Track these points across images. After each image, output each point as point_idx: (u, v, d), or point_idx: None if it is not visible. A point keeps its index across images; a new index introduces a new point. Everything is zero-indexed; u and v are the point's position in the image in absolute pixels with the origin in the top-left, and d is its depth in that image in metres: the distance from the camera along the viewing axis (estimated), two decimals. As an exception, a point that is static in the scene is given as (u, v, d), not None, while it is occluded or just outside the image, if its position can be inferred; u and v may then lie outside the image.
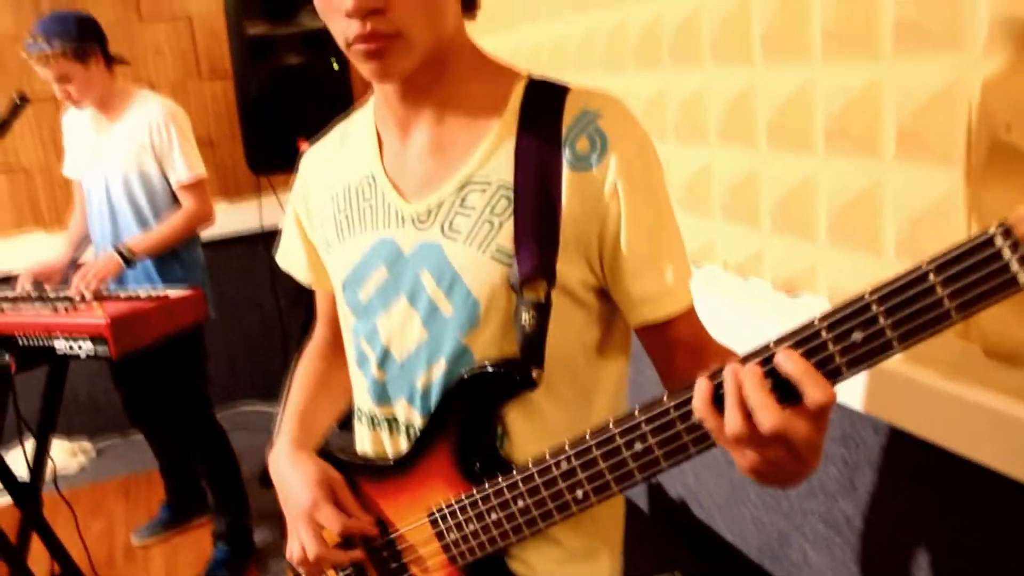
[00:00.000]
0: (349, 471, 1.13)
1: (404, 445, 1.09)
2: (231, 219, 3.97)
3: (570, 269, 0.99)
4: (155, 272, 2.72)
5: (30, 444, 2.33)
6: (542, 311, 0.98)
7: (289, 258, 1.28)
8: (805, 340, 0.74)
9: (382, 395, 1.11)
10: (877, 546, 1.50)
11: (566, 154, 0.98)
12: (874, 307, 0.71)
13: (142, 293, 2.39)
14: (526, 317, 0.98)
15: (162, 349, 2.34)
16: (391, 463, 1.10)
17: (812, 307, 1.46)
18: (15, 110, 2.39)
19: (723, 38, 1.57)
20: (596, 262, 1.00)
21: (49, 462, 2.40)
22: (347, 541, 1.12)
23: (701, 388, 0.79)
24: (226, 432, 2.96)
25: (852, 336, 0.72)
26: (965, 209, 1.15)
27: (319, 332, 1.32)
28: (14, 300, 2.36)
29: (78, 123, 2.82)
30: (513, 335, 0.99)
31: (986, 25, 1.06)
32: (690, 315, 1.02)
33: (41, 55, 2.46)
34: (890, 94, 1.24)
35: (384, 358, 1.09)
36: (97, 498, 3.47)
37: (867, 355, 0.73)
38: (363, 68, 0.95)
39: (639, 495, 2.33)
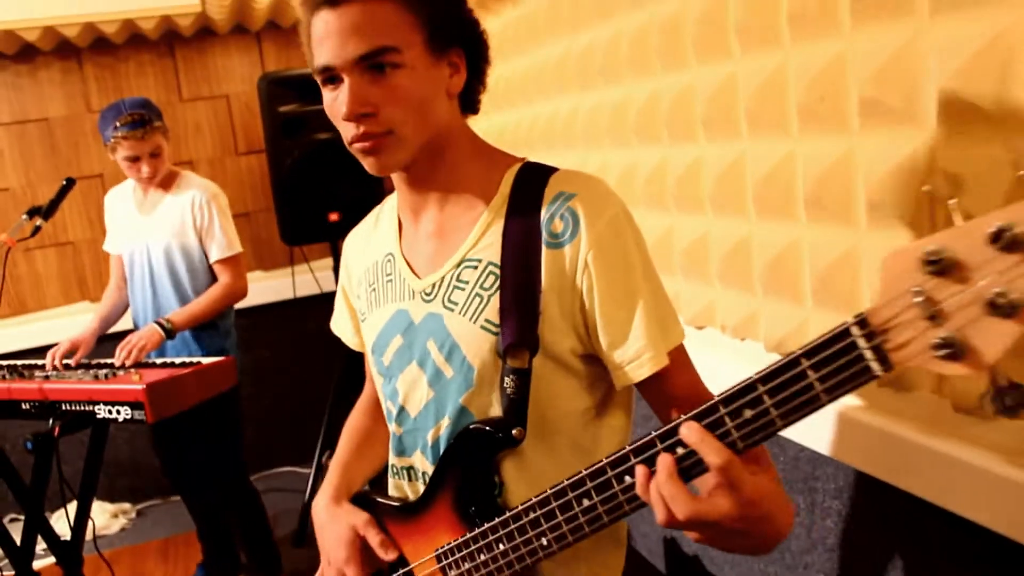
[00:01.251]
0: (378, 511, 1.26)
1: (421, 489, 1.22)
2: (266, 289, 4.14)
3: (558, 338, 1.09)
4: (194, 340, 2.86)
5: (72, 506, 2.45)
6: (523, 376, 1.08)
7: (339, 325, 1.44)
8: (706, 413, 0.85)
9: (400, 448, 1.26)
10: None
11: (544, 234, 1.08)
12: (759, 387, 0.81)
13: (177, 361, 2.52)
14: (508, 382, 1.08)
15: (200, 415, 2.47)
16: (408, 505, 1.22)
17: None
18: (63, 191, 2.57)
19: (713, 114, 1.65)
20: (583, 331, 1.10)
21: (91, 523, 2.51)
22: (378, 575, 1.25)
23: (638, 474, 0.90)
24: (259, 493, 3.06)
25: (743, 413, 0.82)
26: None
27: (366, 389, 1.46)
28: (50, 369, 2.50)
29: (121, 201, 2.99)
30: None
31: (935, 102, 1.14)
32: (673, 372, 1.10)
33: (145, 131, 2.65)
34: (859, 165, 1.32)
35: (401, 415, 1.24)
36: (137, 559, 3.56)
37: (756, 431, 0.83)
38: (364, 163, 1.10)
39: (656, 552, 2.37)
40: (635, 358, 1.08)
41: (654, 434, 0.90)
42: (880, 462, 1.39)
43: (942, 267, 0.69)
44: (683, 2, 1.70)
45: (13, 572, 2.34)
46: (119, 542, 3.73)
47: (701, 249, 1.80)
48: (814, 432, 1.54)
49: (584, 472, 0.97)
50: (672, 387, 1.10)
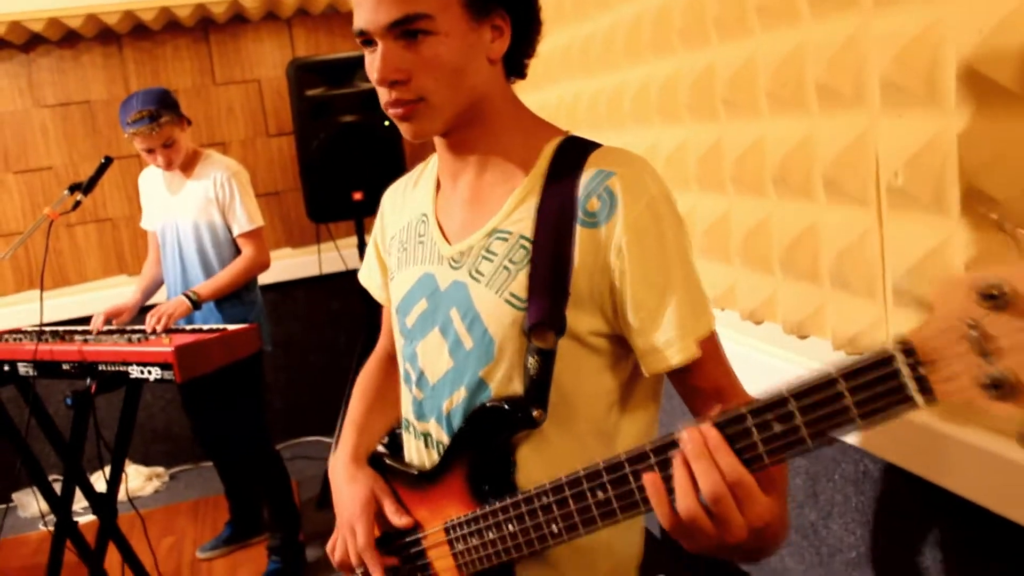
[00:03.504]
0: (392, 476, 1.25)
1: (436, 458, 1.18)
2: (294, 265, 4.30)
3: (582, 319, 1.05)
4: (217, 310, 3.04)
5: (108, 468, 2.64)
6: (547, 357, 1.04)
7: (367, 277, 1.41)
8: (733, 423, 0.80)
9: (419, 412, 1.21)
10: (839, 551, 1.65)
11: (579, 211, 1.04)
12: (792, 404, 0.76)
13: (204, 327, 2.70)
14: (531, 361, 1.05)
15: (225, 379, 2.65)
16: (421, 474, 1.19)
17: (819, 348, 1.55)
18: (101, 169, 2.74)
19: (734, 94, 1.64)
20: (611, 314, 1.06)
21: (126, 484, 2.69)
22: (386, 538, 1.23)
23: (650, 480, 0.85)
24: (282, 457, 3.23)
25: (774, 425, 0.77)
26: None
27: (381, 343, 1.43)
28: (95, 334, 2.69)
29: (152, 181, 3.18)
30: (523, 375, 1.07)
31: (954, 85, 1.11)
32: (702, 364, 1.04)
33: (152, 127, 2.82)
34: (880, 147, 1.28)
35: (420, 379, 1.20)
36: (169, 517, 3.77)
37: (785, 447, 0.78)
38: (400, 128, 1.08)
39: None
40: (666, 347, 1.03)
41: (674, 435, 0.85)
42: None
43: (1001, 302, 0.65)
44: None
45: (55, 522, 2.54)
46: (153, 503, 3.94)
47: (722, 229, 1.81)
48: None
49: (602, 464, 0.92)
50: (700, 378, 1.05)
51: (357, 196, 3.71)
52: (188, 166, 3.05)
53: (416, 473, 1.21)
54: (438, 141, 1.16)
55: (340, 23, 4.33)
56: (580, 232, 1.04)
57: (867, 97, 1.29)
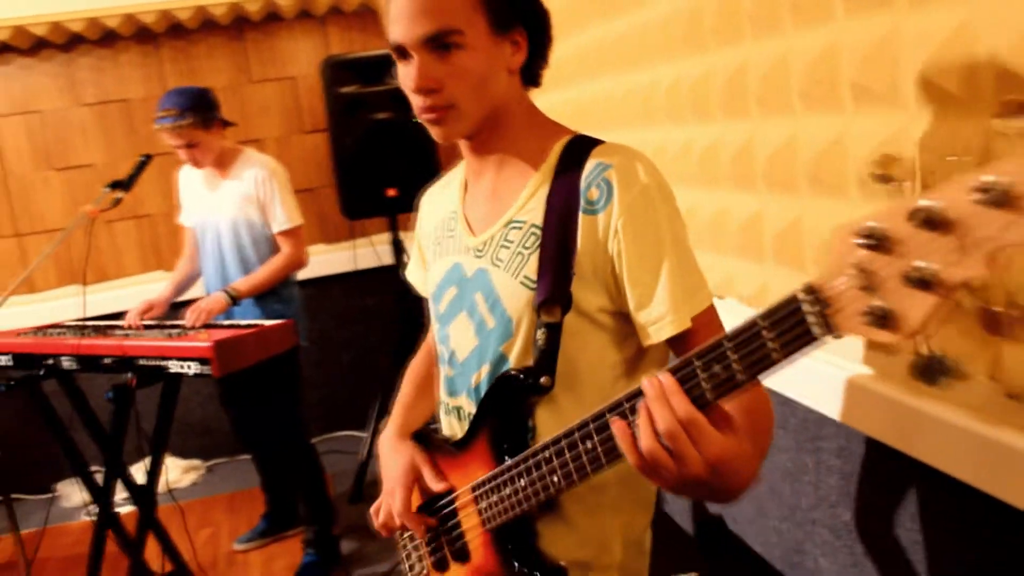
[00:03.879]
0: (433, 447, 1.39)
1: (467, 428, 1.32)
2: (328, 261, 4.35)
3: (588, 296, 1.17)
4: (256, 306, 3.08)
5: (147, 461, 2.69)
6: (554, 330, 1.17)
7: (413, 273, 1.56)
8: (681, 367, 0.91)
9: (452, 388, 1.36)
10: (873, 549, 1.65)
11: (582, 200, 1.17)
12: (726, 344, 0.87)
13: (242, 323, 2.74)
14: (539, 334, 1.18)
15: (262, 374, 2.69)
16: (455, 443, 1.33)
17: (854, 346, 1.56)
18: (141, 166, 2.79)
19: (767, 93, 1.67)
20: (615, 292, 1.18)
21: (165, 477, 2.75)
22: (429, 503, 1.36)
23: (617, 424, 0.96)
24: (317, 451, 3.27)
25: (715, 367, 0.89)
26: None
27: (429, 334, 1.54)
28: (129, 329, 2.74)
29: (191, 178, 3.23)
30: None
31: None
32: (695, 335, 1.14)
33: (174, 127, 2.88)
34: (914, 145, 1.30)
35: (451, 358, 1.35)
36: (206, 509, 3.83)
37: (723, 383, 0.88)
38: (431, 131, 1.21)
39: (683, 514, 2.50)
40: (658, 320, 1.14)
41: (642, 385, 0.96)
42: (876, 423, 1.48)
43: (876, 242, 0.73)
44: None
45: (97, 513, 2.60)
46: (190, 495, 4.00)
47: (720, 222, 1.90)
48: (820, 395, 1.63)
49: (588, 417, 1.04)
50: (686, 347, 1.12)
51: (391, 192, 3.74)
52: (226, 164, 3.09)
53: (450, 442, 1.34)
54: (463, 143, 1.28)
55: (373, 20, 4.36)
56: (583, 219, 1.16)
57: (901, 96, 1.29)
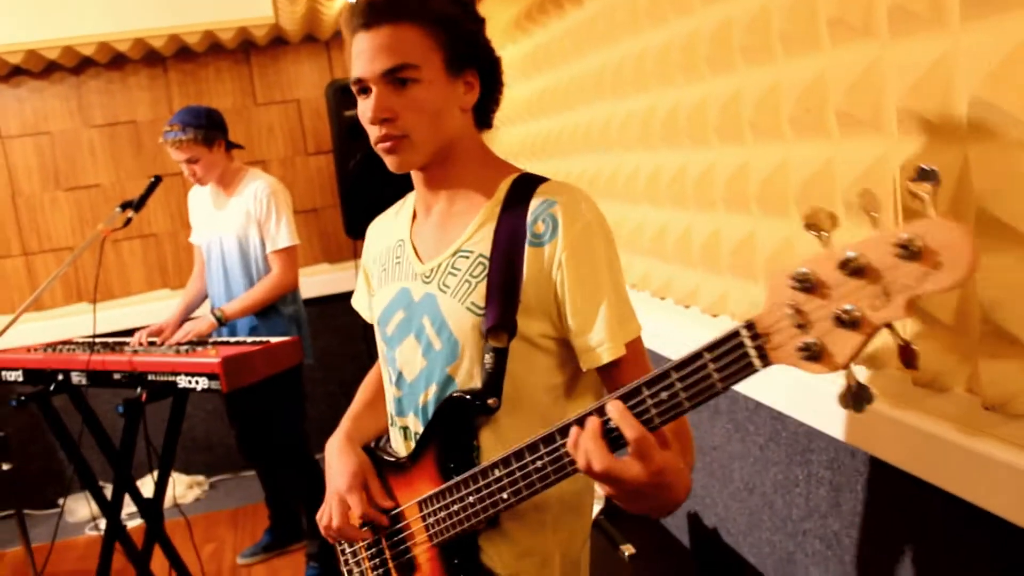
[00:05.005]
0: (381, 464, 1.43)
1: (413, 447, 1.38)
2: (331, 280, 4.42)
3: (531, 323, 1.26)
4: (260, 325, 3.15)
5: (154, 474, 2.74)
6: (500, 355, 1.26)
7: (358, 300, 1.64)
8: (631, 395, 1.00)
9: (399, 408, 1.42)
10: (862, 558, 1.70)
11: (528, 234, 1.26)
12: (673, 375, 0.96)
13: (248, 340, 2.80)
14: (487, 358, 1.26)
15: (268, 390, 2.76)
16: (401, 461, 1.38)
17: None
18: (151, 187, 2.87)
19: (760, 119, 1.72)
20: (556, 319, 1.27)
21: (171, 492, 2.81)
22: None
23: (571, 433, 1.04)
24: (319, 464, 3.32)
25: (660, 395, 0.98)
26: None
27: (379, 357, 1.60)
28: (136, 347, 2.82)
29: (200, 198, 3.31)
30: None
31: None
32: (626, 363, 1.25)
33: (176, 140, 2.97)
34: (898, 171, 1.37)
35: (399, 379, 1.41)
36: (210, 524, 3.88)
37: (669, 409, 0.98)
38: (385, 160, 1.29)
39: (680, 526, 2.55)
40: (597, 345, 1.24)
41: (591, 408, 1.05)
42: (863, 435, 1.54)
43: (808, 285, 0.84)
44: (729, 10, 1.78)
45: (106, 525, 2.65)
46: (193, 510, 4.04)
47: (716, 243, 1.96)
48: (810, 409, 1.69)
49: (538, 438, 1.12)
50: (625, 376, 1.22)
51: (392, 213, 3.80)
52: (231, 183, 3.17)
53: (396, 460, 1.40)
54: (416, 175, 1.37)
55: (377, 45, 4.44)
56: (528, 250, 1.26)
57: (884, 123, 1.36)
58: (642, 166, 2.31)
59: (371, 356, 1.59)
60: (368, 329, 1.61)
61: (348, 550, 1.51)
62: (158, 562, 2.75)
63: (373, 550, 1.44)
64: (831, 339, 0.84)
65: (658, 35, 2.12)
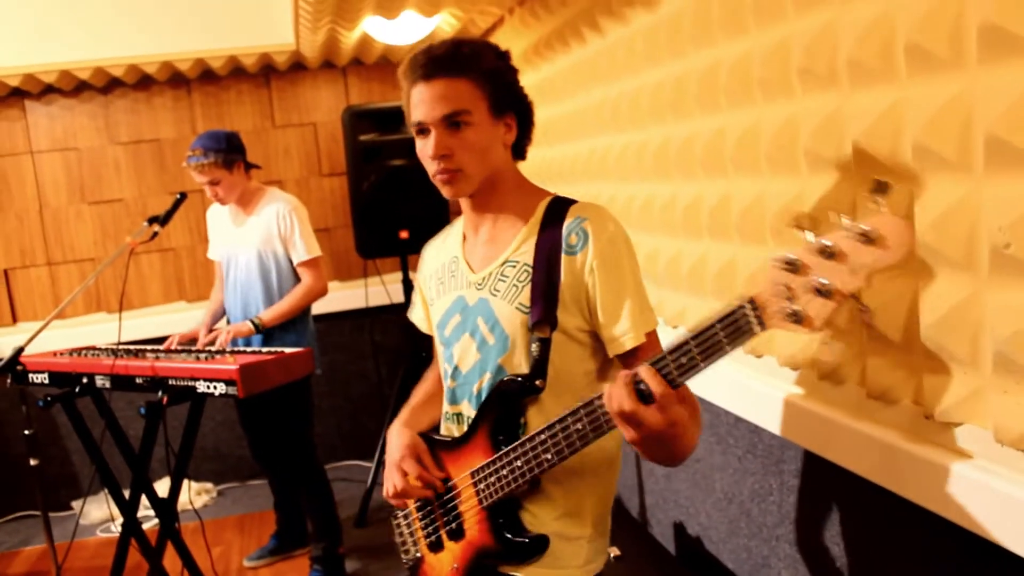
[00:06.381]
0: (433, 444, 1.67)
1: (465, 429, 1.61)
2: (342, 298, 4.56)
3: (568, 319, 1.52)
4: (274, 336, 3.31)
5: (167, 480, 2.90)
6: (545, 344, 1.52)
7: (415, 314, 1.88)
8: (660, 360, 1.25)
9: (453, 398, 1.67)
10: (827, 560, 1.83)
11: (563, 245, 1.52)
12: (691, 342, 1.22)
13: (264, 349, 2.96)
14: (534, 347, 1.52)
15: (280, 398, 2.91)
16: (455, 439, 1.63)
17: (770, 366, 1.84)
18: (177, 203, 3.05)
19: (741, 155, 1.88)
20: (587, 315, 1.53)
21: (182, 497, 2.95)
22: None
23: (606, 388, 1.29)
24: (326, 472, 3.47)
25: (681, 359, 1.24)
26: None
27: (433, 366, 1.86)
28: (168, 353, 2.98)
29: (219, 215, 3.49)
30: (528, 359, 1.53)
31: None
32: (645, 349, 1.49)
33: (198, 165, 3.16)
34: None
35: (455, 372, 1.65)
36: (217, 529, 4.02)
37: (687, 369, 1.23)
38: (442, 190, 1.56)
39: (667, 535, 2.69)
40: (622, 335, 1.50)
41: (625, 373, 1.28)
42: (826, 444, 1.69)
43: (795, 267, 1.12)
44: (718, 53, 1.92)
45: (123, 523, 2.79)
46: (202, 516, 4.15)
47: (701, 267, 2.11)
48: (781, 421, 1.82)
49: (579, 405, 1.38)
50: (637, 359, 1.40)
51: (403, 235, 3.99)
52: (251, 202, 3.35)
53: (451, 439, 1.65)
54: (465, 202, 1.63)
55: (392, 73, 4.62)
56: (564, 259, 1.52)
57: (846, 162, 1.51)
58: (637, 195, 2.47)
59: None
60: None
61: (403, 521, 1.74)
62: (170, 561, 2.89)
63: (426, 520, 1.67)
64: (811, 306, 1.11)
65: (653, 75, 2.28)
